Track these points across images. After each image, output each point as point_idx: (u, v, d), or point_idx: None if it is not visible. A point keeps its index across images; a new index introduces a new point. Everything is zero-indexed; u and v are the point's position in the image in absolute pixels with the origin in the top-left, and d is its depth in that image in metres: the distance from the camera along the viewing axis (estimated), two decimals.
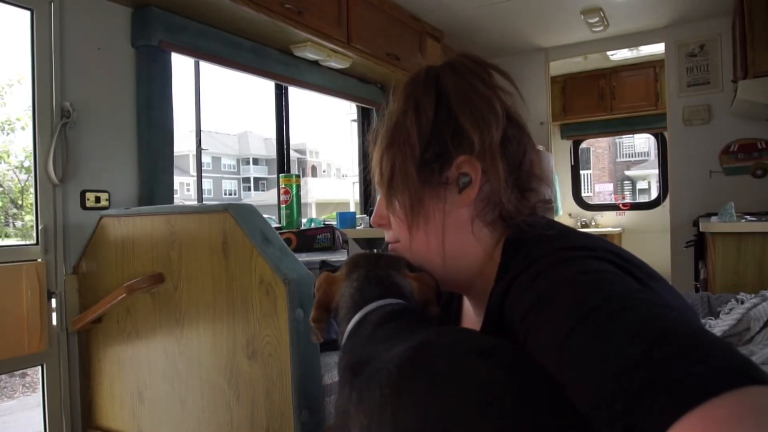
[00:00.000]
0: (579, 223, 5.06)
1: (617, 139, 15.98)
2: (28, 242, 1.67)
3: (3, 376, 3.80)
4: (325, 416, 1.29)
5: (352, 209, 5.31)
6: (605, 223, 5.06)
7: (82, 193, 1.74)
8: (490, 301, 0.59)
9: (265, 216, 1.42)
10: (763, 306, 1.49)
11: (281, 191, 2.33)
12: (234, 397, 1.31)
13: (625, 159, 17.74)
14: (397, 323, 0.58)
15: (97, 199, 1.77)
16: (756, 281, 2.16)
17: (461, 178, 0.60)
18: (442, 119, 0.61)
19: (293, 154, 3.00)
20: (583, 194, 5.40)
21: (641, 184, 16.72)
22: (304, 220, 2.44)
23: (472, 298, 0.70)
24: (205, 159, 24.12)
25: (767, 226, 2.19)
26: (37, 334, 1.60)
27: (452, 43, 3.59)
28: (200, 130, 2.37)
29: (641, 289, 0.46)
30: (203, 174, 2.82)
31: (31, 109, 1.65)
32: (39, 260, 1.63)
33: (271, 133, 2.84)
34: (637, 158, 17.61)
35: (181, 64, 2.11)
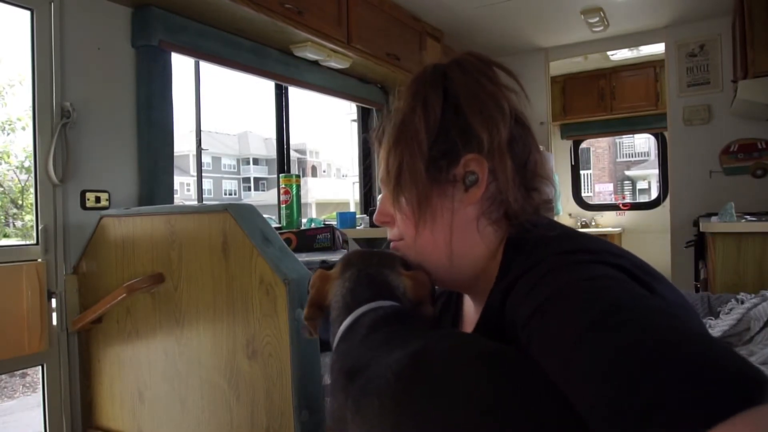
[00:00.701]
0: (579, 223, 5.06)
1: (617, 139, 15.98)
2: (28, 242, 1.67)
3: (3, 376, 3.80)
4: (325, 416, 1.29)
5: (352, 209, 5.31)
6: (605, 223, 5.06)
7: (82, 193, 1.74)
8: (488, 300, 0.58)
9: (265, 216, 1.42)
10: (763, 306, 1.49)
11: (281, 191, 2.33)
12: (234, 397, 1.31)
13: (625, 159, 17.74)
14: (391, 327, 0.57)
15: (97, 199, 1.77)
16: (756, 281, 2.16)
17: (468, 176, 0.60)
18: (450, 117, 0.61)
19: (293, 154, 3.00)
20: (583, 194, 5.40)
21: (641, 184, 16.73)
22: (304, 220, 2.44)
23: (475, 297, 0.69)
24: (205, 159, 24.12)
25: (767, 226, 2.19)
26: (37, 334, 1.60)
27: (452, 43, 3.59)
28: (200, 130, 2.37)
29: (647, 296, 0.46)
30: (203, 174, 2.82)
31: (31, 109, 1.66)
32: (39, 260, 1.64)
33: (271, 133, 2.84)
34: (637, 158, 17.61)
35: (181, 64, 2.11)
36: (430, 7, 3.02)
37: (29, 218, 1.89)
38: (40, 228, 1.65)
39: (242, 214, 1.31)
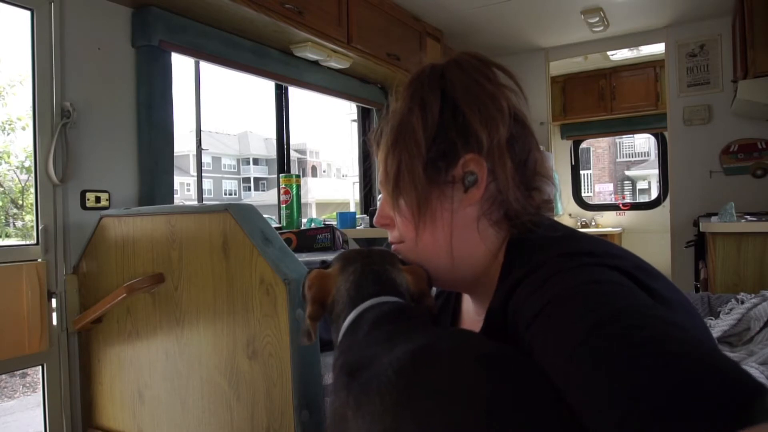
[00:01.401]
0: (579, 223, 5.06)
1: (617, 139, 15.98)
2: (28, 242, 1.67)
3: (3, 376, 3.80)
4: (325, 416, 1.29)
5: (352, 209, 5.31)
6: (605, 223, 5.06)
7: (82, 193, 1.74)
8: (492, 302, 0.58)
9: (265, 216, 1.42)
10: (763, 306, 1.49)
11: (281, 191, 2.33)
12: (234, 397, 1.31)
13: (625, 159, 17.74)
14: (395, 324, 0.57)
15: (98, 199, 1.77)
16: (756, 281, 2.16)
17: (467, 177, 0.60)
18: (448, 117, 0.60)
19: (293, 154, 3.00)
20: (583, 194, 5.40)
21: (641, 184, 16.73)
22: (304, 220, 2.44)
23: (476, 298, 0.69)
24: (206, 159, 24.12)
25: (767, 226, 2.19)
26: (37, 334, 1.60)
27: (452, 43, 3.59)
28: (200, 130, 2.37)
29: (652, 305, 0.46)
30: (203, 174, 2.82)
31: (31, 109, 1.66)
32: (39, 260, 1.64)
33: (271, 133, 2.84)
34: (637, 158, 17.61)
35: (181, 64, 2.12)
36: (430, 7, 3.02)
37: (29, 218, 1.89)
38: (40, 228, 1.65)
39: (242, 214, 1.31)
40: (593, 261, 0.51)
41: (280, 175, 2.44)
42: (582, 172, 5.65)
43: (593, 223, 5.06)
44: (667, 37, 3.60)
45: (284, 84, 2.70)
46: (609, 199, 8.47)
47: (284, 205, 2.30)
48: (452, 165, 0.60)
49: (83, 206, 1.74)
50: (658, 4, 3.22)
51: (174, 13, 1.97)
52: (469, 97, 0.60)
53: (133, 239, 1.53)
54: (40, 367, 1.67)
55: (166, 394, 1.46)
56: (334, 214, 2.87)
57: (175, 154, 2.00)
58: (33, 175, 1.66)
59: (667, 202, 4.21)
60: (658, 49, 3.90)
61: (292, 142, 2.85)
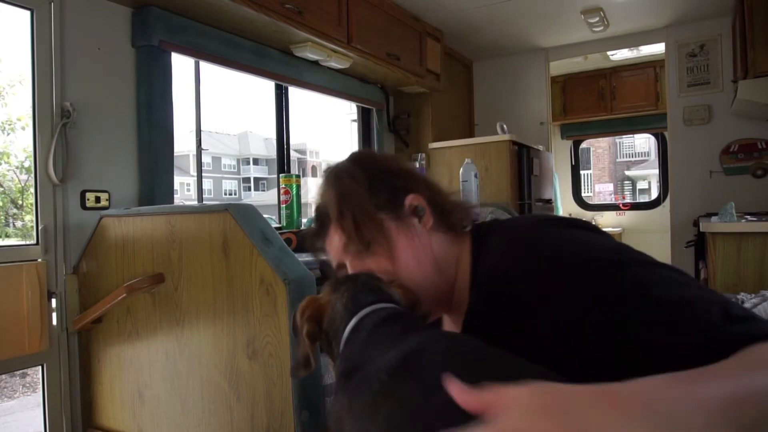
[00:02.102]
0: None
1: (617, 139, 15.97)
2: (28, 242, 1.67)
3: (3, 376, 3.80)
4: (325, 416, 1.29)
5: None
6: (605, 223, 5.06)
7: (82, 193, 1.74)
8: (472, 286, 0.72)
9: (265, 216, 1.42)
10: (763, 306, 1.49)
11: (281, 191, 2.33)
12: (234, 397, 1.31)
13: (625, 159, 17.73)
14: (392, 327, 0.58)
15: (97, 199, 1.77)
16: (756, 281, 2.16)
17: (418, 210, 0.77)
18: (375, 181, 0.78)
19: (293, 154, 3.00)
20: (583, 194, 5.40)
21: (641, 184, 16.72)
22: (304, 220, 2.43)
23: (453, 312, 0.80)
24: (206, 159, 24.11)
25: (767, 226, 2.19)
26: (37, 334, 1.60)
27: (452, 43, 3.59)
28: (200, 130, 2.37)
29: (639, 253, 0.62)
30: (203, 174, 2.82)
31: (31, 109, 1.65)
32: (39, 260, 1.64)
33: (271, 133, 2.84)
34: (637, 158, 17.60)
35: (181, 64, 2.11)
36: (430, 7, 3.02)
37: (29, 218, 1.89)
38: (40, 228, 1.65)
39: (242, 214, 1.31)
40: (567, 223, 0.69)
41: (280, 175, 2.44)
42: (582, 172, 5.65)
43: (593, 223, 5.06)
44: (667, 37, 3.60)
45: (284, 84, 2.69)
46: (609, 199, 8.47)
47: (284, 205, 2.30)
48: (400, 205, 0.77)
49: (83, 206, 1.74)
50: (658, 4, 3.22)
51: (174, 13, 1.97)
52: (383, 162, 0.82)
53: (133, 239, 1.53)
54: (40, 367, 1.67)
55: (166, 394, 1.46)
56: None
57: (175, 154, 2.00)
58: (33, 175, 1.66)
59: (667, 202, 4.21)
60: (658, 49, 3.90)
61: (292, 142, 2.85)
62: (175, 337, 1.43)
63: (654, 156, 13.38)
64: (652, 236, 4.73)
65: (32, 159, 1.67)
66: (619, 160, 17.48)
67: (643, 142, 16.80)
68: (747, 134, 3.38)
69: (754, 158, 3.36)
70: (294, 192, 2.30)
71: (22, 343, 1.58)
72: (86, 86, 1.75)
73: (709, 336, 0.48)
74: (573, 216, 4.37)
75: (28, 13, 1.64)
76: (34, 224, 1.67)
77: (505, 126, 3.37)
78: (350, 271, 0.78)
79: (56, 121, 1.66)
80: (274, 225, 2.06)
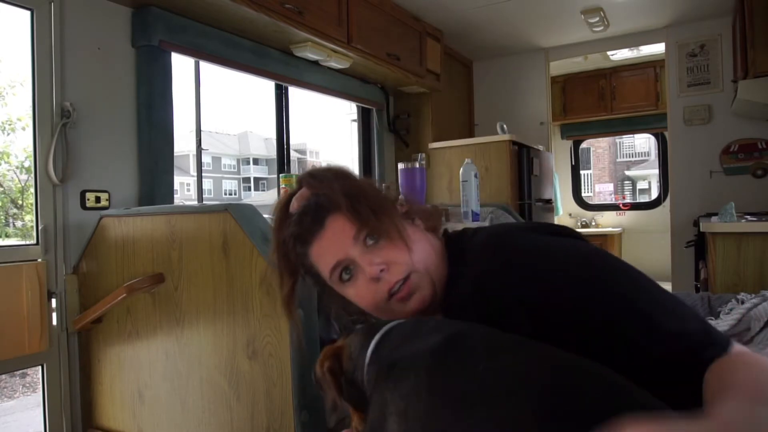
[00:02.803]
0: (579, 223, 5.06)
1: (617, 139, 15.96)
2: (28, 242, 1.67)
3: (3, 376, 3.80)
4: (324, 416, 1.29)
5: None
6: (605, 223, 5.06)
7: (82, 193, 1.74)
8: (449, 275, 0.79)
9: (265, 216, 1.42)
10: (763, 306, 1.49)
11: (281, 191, 2.33)
12: (234, 397, 1.31)
13: (625, 159, 17.72)
14: (421, 326, 0.63)
15: (97, 199, 1.77)
16: (756, 281, 2.16)
17: (410, 213, 0.83)
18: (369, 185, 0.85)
19: (293, 154, 3.00)
20: (583, 194, 5.40)
21: (641, 184, 16.71)
22: None
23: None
24: (206, 159, 24.08)
25: (767, 226, 2.19)
26: (37, 334, 1.60)
27: (452, 43, 3.59)
28: (200, 130, 2.37)
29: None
30: (203, 174, 2.82)
31: (31, 109, 1.65)
32: (39, 260, 1.63)
33: (271, 133, 2.84)
34: (637, 158, 17.59)
35: (181, 64, 2.10)
36: (430, 7, 3.02)
37: (29, 218, 1.89)
38: (40, 228, 1.65)
39: (242, 214, 1.31)
40: (531, 228, 0.78)
41: (280, 175, 2.44)
42: (582, 172, 5.65)
43: (593, 223, 5.06)
44: (667, 37, 3.60)
45: (284, 84, 2.69)
46: (609, 199, 8.46)
47: None
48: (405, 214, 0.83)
49: (83, 206, 1.74)
50: (658, 4, 3.22)
51: (174, 13, 1.97)
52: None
53: (133, 239, 1.53)
54: (40, 367, 1.67)
55: (166, 394, 1.46)
56: None
57: (175, 154, 2.00)
58: (33, 175, 1.66)
59: (667, 202, 4.21)
60: (658, 49, 3.90)
61: (292, 142, 2.85)
62: (175, 337, 1.43)
63: (654, 156, 13.37)
64: (652, 236, 4.73)
65: (32, 159, 1.66)
66: (619, 160, 17.47)
67: (643, 142, 16.79)
68: (747, 134, 3.38)
69: (754, 158, 3.36)
70: None
71: (22, 343, 1.58)
72: (86, 86, 1.75)
73: (681, 341, 0.57)
74: (573, 215, 4.37)
75: (28, 13, 1.64)
76: (34, 224, 1.67)
77: (505, 126, 3.37)
78: (360, 262, 0.75)
79: (56, 121, 1.66)
80: None
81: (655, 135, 4.92)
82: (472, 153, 3.18)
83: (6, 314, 1.54)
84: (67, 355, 1.68)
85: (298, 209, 0.79)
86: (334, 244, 0.75)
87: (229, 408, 1.32)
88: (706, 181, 3.48)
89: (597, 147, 15.15)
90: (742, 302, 1.57)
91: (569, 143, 5.17)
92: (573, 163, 5.19)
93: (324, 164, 0.91)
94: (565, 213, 5.05)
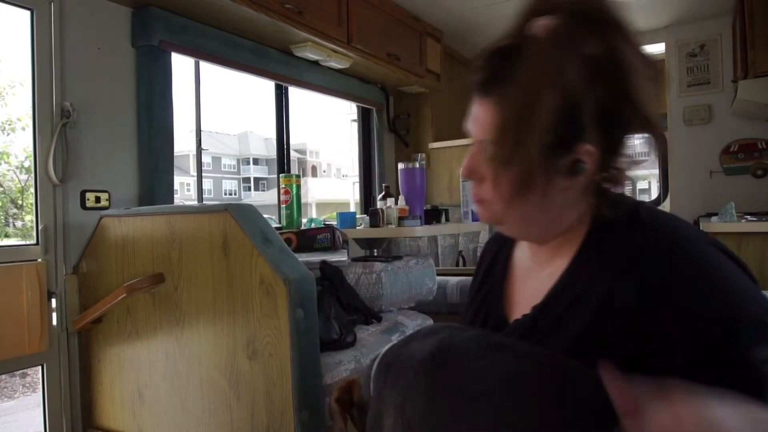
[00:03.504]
0: None
1: None
2: (28, 242, 1.67)
3: (3, 376, 3.80)
4: (325, 416, 1.29)
5: (352, 209, 5.30)
6: None
7: (82, 193, 1.74)
8: (576, 264, 0.63)
9: (265, 216, 1.42)
10: None
11: (281, 191, 2.33)
12: (234, 397, 1.31)
13: None
14: (422, 331, 0.66)
15: (97, 199, 1.77)
16: None
17: (576, 165, 0.59)
18: (589, 99, 0.57)
19: (293, 154, 3.00)
20: None
21: (641, 184, 16.73)
22: (304, 220, 2.43)
23: (540, 249, 0.70)
24: (206, 159, 24.12)
25: (767, 226, 2.19)
26: (37, 334, 1.60)
27: (452, 43, 3.59)
28: (200, 130, 2.37)
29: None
30: (203, 174, 2.82)
31: (31, 109, 1.65)
32: (39, 260, 1.63)
33: (271, 133, 2.84)
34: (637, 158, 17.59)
35: (181, 64, 2.11)
36: (430, 7, 3.02)
37: (29, 218, 1.89)
38: (40, 228, 1.65)
39: (242, 214, 1.31)
40: (711, 243, 0.61)
41: (280, 175, 2.44)
42: None
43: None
44: (667, 37, 3.60)
45: (284, 84, 2.69)
46: None
47: (284, 205, 2.30)
48: (568, 153, 0.59)
49: (83, 206, 1.74)
50: (658, 4, 3.22)
51: (174, 13, 1.97)
52: (623, 83, 0.57)
53: (133, 239, 1.53)
54: (40, 367, 1.67)
55: (166, 394, 1.46)
56: (334, 214, 2.87)
57: (175, 154, 2.00)
58: (33, 175, 1.66)
59: (667, 202, 4.20)
60: (658, 49, 3.90)
61: (292, 142, 2.85)
62: (175, 337, 1.43)
63: (654, 156, 13.33)
64: None
65: (32, 159, 1.66)
66: None
67: (643, 142, 16.80)
68: (747, 134, 3.38)
69: (755, 158, 3.36)
70: (294, 192, 2.30)
71: (22, 343, 1.58)
72: (86, 86, 1.75)
73: None
74: None
75: (28, 13, 1.64)
76: (34, 224, 1.67)
77: None
78: (469, 155, 0.65)
79: (56, 121, 1.66)
80: (274, 225, 2.06)
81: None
82: None
83: (6, 314, 1.54)
84: (67, 355, 1.68)
85: None
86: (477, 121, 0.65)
87: (229, 408, 1.32)
88: (706, 181, 3.48)
89: None
90: None
91: None
92: None
93: None
94: None
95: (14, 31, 1.67)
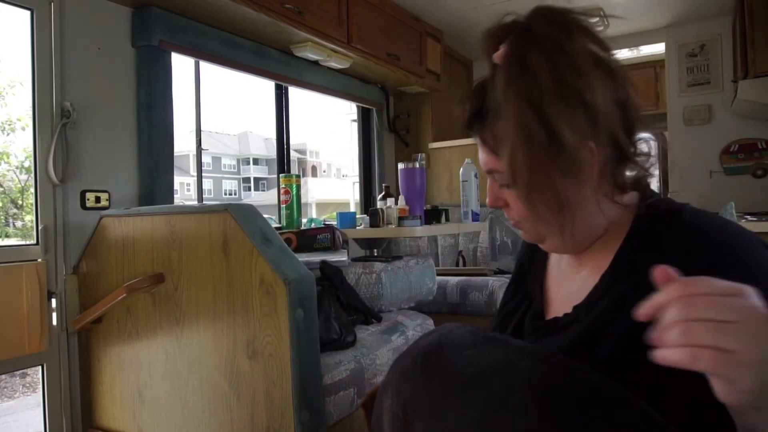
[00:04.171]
0: None
1: None
2: (28, 242, 1.67)
3: (3, 376, 3.80)
4: (325, 416, 1.29)
5: (352, 209, 5.30)
6: None
7: (82, 193, 1.74)
8: (616, 266, 0.63)
9: (265, 216, 1.42)
10: None
11: (281, 191, 2.33)
12: (234, 397, 1.31)
13: None
14: (429, 331, 0.71)
15: (97, 199, 1.77)
16: None
17: (576, 160, 0.61)
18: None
19: (293, 154, 3.00)
20: None
21: None
22: (304, 220, 2.43)
23: (580, 256, 0.72)
24: (206, 159, 24.13)
25: (767, 226, 2.19)
26: (37, 334, 1.60)
27: (452, 43, 3.59)
28: (200, 130, 2.37)
29: None
30: (203, 174, 2.82)
31: (31, 109, 1.65)
32: (39, 260, 1.64)
33: (271, 133, 2.84)
34: None
35: (181, 64, 2.11)
36: (430, 7, 3.02)
37: (29, 218, 1.89)
38: (40, 228, 1.65)
39: (242, 214, 1.31)
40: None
41: (280, 175, 2.44)
42: None
43: None
44: (667, 37, 3.60)
45: (284, 84, 2.69)
46: None
47: (284, 205, 2.30)
48: (564, 153, 0.61)
49: (83, 206, 1.74)
50: (658, 4, 3.22)
51: (174, 13, 1.97)
52: (580, 81, 0.62)
53: (133, 239, 1.53)
54: (40, 367, 1.67)
55: (166, 394, 1.46)
56: (334, 214, 2.87)
57: (175, 154, 2.00)
58: (33, 175, 1.66)
59: None
60: (658, 49, 3.90)
61: (292, 142, 2.85)
62: (175, 337, 1.43)
63: (654, 156, 13.33)
64: None
65: (32, 159, 1.66)
66: None
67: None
68: (747, 134, 3.38)
69: (755, 158, 3.36)
70: (294, 192, 2.30)
71: (22, 343, 1.58)
72: (86, 86, 1.75)
73: None
74: None
75: (28, 13, 1.64)
76: (34, 224, 1.67)
77: None
78: (488, 186, 0.71)
79: (56, 121, 1.66)
80: (274, 225, 2.06)
81: (655, 135, 4.92)
82: (472, 153, 3.18)
83: (6, 314, 1.54)
84: (67, 355, 1.68)
85: None
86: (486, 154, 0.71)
87: (229, 408, 1.32)
88: (706, 181, 3.48)
89: None
90: None
91: None
92: None
93: None
94: None
95: (14, 31, 1.67)
